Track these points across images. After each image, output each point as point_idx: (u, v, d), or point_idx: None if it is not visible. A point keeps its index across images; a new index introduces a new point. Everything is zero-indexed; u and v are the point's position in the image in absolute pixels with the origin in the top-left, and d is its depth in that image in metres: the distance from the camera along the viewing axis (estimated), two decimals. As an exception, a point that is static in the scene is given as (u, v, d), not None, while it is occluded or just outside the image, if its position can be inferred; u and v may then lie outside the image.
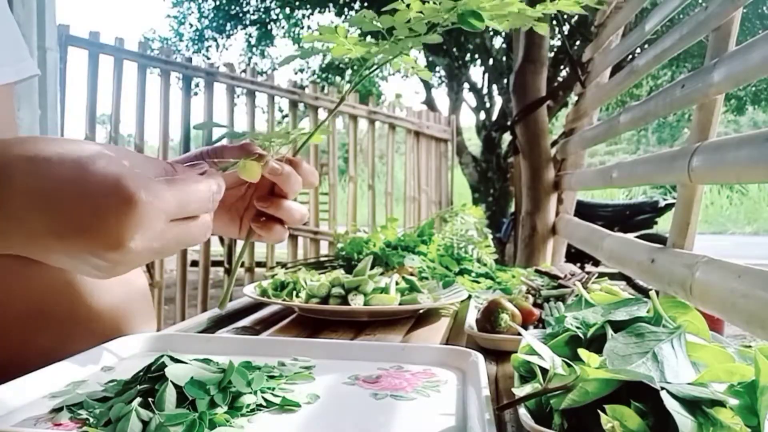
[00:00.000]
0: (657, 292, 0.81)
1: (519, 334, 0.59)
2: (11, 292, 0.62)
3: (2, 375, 0.50)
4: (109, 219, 0.39)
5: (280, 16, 9.70)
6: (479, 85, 8.01)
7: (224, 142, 0.63)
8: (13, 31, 0.65)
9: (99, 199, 0.39)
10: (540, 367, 0.44)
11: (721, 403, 0.39)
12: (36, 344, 0.62)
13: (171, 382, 0.45)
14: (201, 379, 0.46)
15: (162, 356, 0.50)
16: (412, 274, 1.10)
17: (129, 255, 0.40)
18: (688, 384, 0.41)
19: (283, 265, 1.28)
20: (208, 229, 0.47)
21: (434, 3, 0.48)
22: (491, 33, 7.57)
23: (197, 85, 4.64)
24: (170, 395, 0.44)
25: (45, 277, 0.63)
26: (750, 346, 0.47)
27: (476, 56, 7.91)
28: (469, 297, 0.98)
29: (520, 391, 0.45)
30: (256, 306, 1.04)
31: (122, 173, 0.40)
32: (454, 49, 7.65)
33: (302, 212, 0.60)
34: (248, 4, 9.53)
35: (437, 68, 8.64)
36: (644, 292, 2.37)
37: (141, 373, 0.49)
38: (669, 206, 5.14)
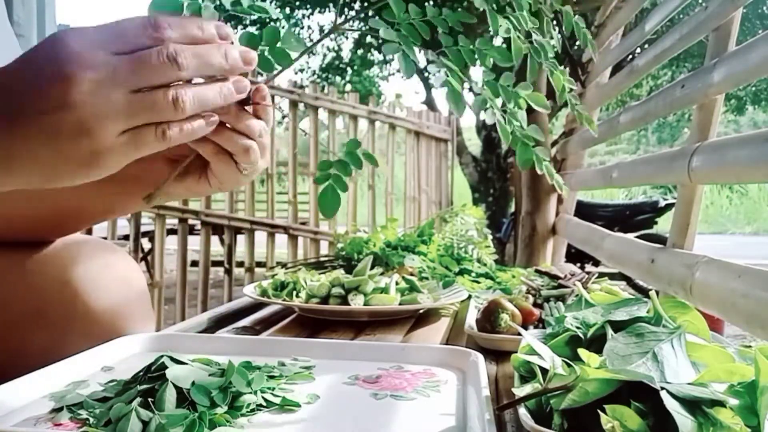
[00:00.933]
0: (657, 292, 0.81)
1: (519, 334, 0.59)
2: (11, 292, 0.62)
3: (2, 375, 0.50)
4: (44, 59, 0.38)
5: (280, 16, 9.71)
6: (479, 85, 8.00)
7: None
8: (9, 36, 0.65)
9: (35, 56, 0.39)
10: (540, 367, 0.44)
11: (721, 403, 0.39)
12: (35, 344, 0.62)
13: (171, 382, 0.45)
14: (203, 383, 0.46)
15: (162, 356, 0.50)
16: (412, 274, 1.10)
17: (83, 89, 0.38)
18: (688, 384, 0.41)
19: (283, 265, 1.28)
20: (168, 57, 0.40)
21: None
22: (491, 33, 7.57)
23: (197, 85, 4.63)
24: (170, 395, 0.44)
25: (44, 278, 0.63)
26: (750, 346, 0.47)
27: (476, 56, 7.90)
28: (469, 297, 0.98)
29: (520, 391, 0.45)
30: (256, 306, 1.04)
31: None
32: (454, 49, 7.63)
33: (260, 126, 0.48)
34: (248, 4, 9.53)
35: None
36: (644, 292, 2.37)
37: (141, 373, 0.49)
38: (669, 206, 5.14)
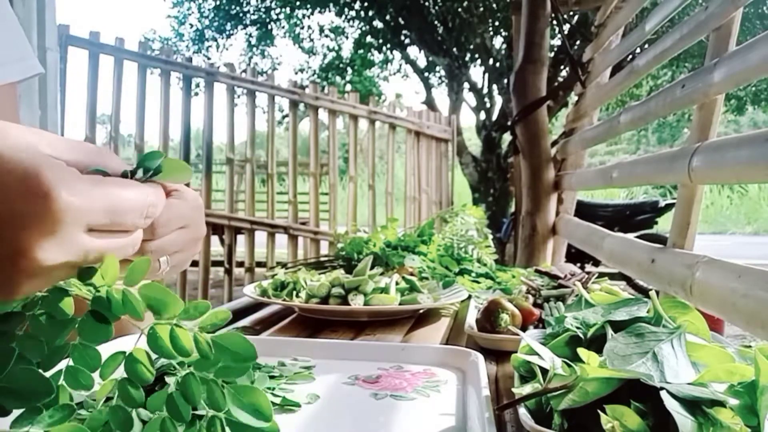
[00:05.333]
0: (657, 292, 0.81)
1: (518, 334, 0.58)
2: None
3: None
4: (14, 218, 0.31)
5: (281, 16, 9.71)
6: (479, 85, 8.02)
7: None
8: (16, 30, 0.65)
9: (6, 189, 0.31)
10: (540, 367, 0.44)
11: (721, 403, 0.39)
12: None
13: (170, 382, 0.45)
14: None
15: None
16: (412, 274, 1.10)
17: (37, 269, 0.32)
18: (688, 384, 0.41)
19: (283, 265, 1.28)
20: (136, 247, 0.38)
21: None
22: (491, 33, 7.58)
23: (197, 85, 4.65)
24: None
25: None
26: (750, 346, 0.47)
27: (476, 56, 7.92)
28: (469, 297, 0.98)
29: (520, 391, 0.45)
30: (256, 306, 1.04)
31: (41, 162, 0.32)
32: (454, 49, 7.65)
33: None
34: (248, 4, 9.54)
35: (437, 68, 8.64)
36: (644, 292, 2.37)
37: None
38: (669, 206, 5.15)
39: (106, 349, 0.60)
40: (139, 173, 0.39)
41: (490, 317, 0.77)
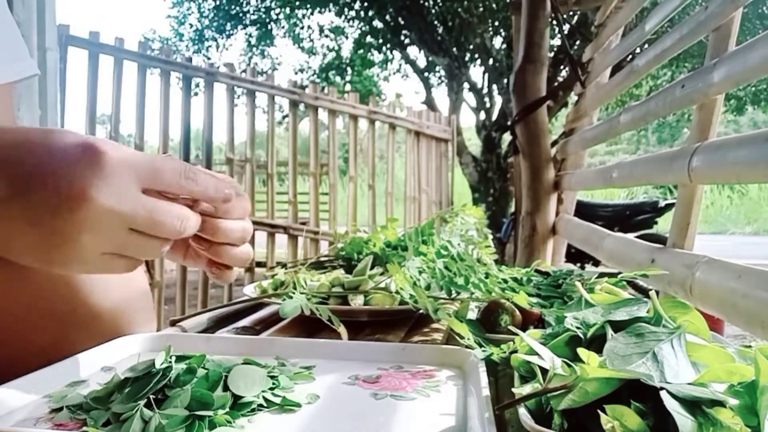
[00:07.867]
0: (657, 292, 0.81)
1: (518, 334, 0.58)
2: (11, 291, 0.62)
3: (2, 375, 0.50)
4: (73, 166, 0.38)
5: (281, 16, 9.71)
6: (479, 85, 8.02)
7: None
8: (13, 31, 0.65)
9: (65, 150, 0.38)
10: (540, 367, 0.44)
11: (721, 403, 0.38)
12: (36, 344, 0.62)
13: (179, 386, 0.45)
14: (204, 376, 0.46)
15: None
16: (412, 274, 1.10)
17: (93, 212, 0.38)
18: (688, 384, 0.41)
19: (283, 265, 1.28)
20: (184, 223, 0.45)
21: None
22: (491, 33, 7.58)
23: (197, 85, 4.65)
24: (182, 401, 0.44)
25: (47, 276, 0.63)
26: (750, 346, 0.47)
27: (476, 56, 7.92)
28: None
29: (520, 391, 0.45)
30: (256, 306, 1.04)
31: (95, 138, 0.40)
32: (454, 49, 7.65)
33: (245, 256, 0.56)
34: (248, 4, 9.54)
35: (437, 68, 8.64)
36: (644, 292, 2.37)
37: (141, 374, 0.49)
38: (669, 206, 5.15)
39: (107, 348, 0.61)
40: None
41: (490, 317, 0.77)
